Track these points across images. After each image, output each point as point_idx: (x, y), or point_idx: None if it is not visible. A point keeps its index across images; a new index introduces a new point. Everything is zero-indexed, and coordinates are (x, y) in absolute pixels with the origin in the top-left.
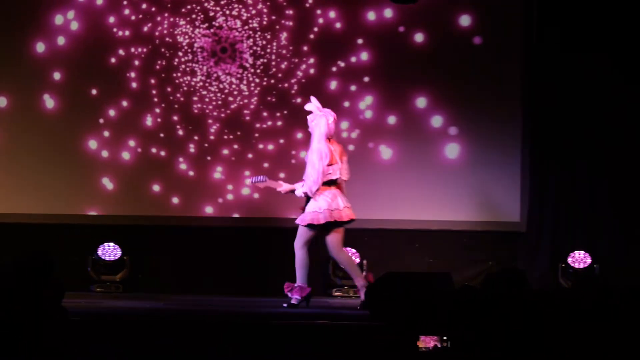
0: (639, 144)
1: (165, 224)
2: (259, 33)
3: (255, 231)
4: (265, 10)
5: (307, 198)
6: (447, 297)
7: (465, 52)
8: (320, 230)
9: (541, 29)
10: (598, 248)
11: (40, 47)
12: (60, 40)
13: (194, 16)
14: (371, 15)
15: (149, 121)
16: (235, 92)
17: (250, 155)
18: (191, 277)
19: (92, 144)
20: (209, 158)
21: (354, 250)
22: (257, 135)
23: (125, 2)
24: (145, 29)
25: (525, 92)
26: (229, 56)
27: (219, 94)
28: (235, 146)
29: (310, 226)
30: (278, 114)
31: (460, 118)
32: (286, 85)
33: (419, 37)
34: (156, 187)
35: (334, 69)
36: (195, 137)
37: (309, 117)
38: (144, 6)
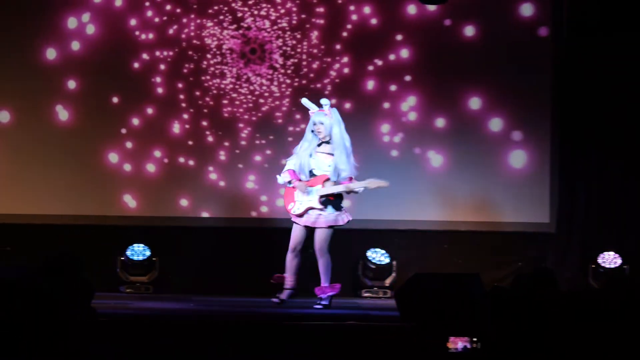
0: None
1: (195, 225)
2: (289, 33)
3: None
4: (294, 9)
5: (337, 197)
6: (477, 298)
7: (528, 45)
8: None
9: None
10: (628, 248)
11: (50, 53)
12: (75, 46)
13: (221, 17)
14: (411, 9)
15: (176, 128)
16: (266, 94)
17: (284, 162)
18: (221, 278)
19: (113, 157)
20: (240, 166)
21: (383, 251)
22: (290, 139)
23: (147, 4)
24: (171, 31)
25: (555, 89)
26: (258, 57)
27: (249, 96)
28: (268, 152)
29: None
30: None
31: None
32: (319, 85)
33: (469, 31)
34: (184, 202)
35: (371, 67)
36: (226, 143)
37: (324, 115)
38: (168, 7)
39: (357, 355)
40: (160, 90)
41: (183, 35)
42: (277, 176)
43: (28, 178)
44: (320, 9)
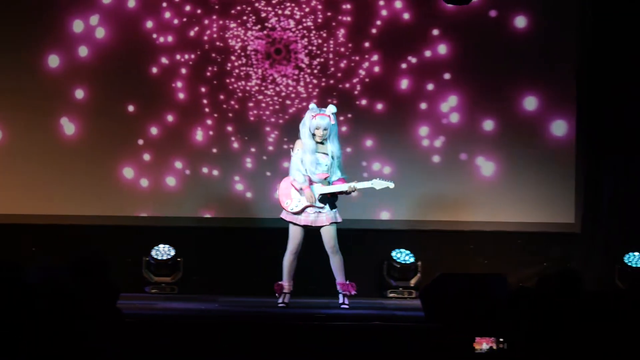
0: None
1: (220, 225)
2: (314, 32)
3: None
4: (319, 7)
5: (334, 196)
6: (503, 298)
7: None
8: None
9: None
10: None
11: (53, 60)
12: (82, 51)
13: (245, 18)
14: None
15: (199, 135)
16: (293, 95)
17: (286, 165)
18: (245, 278)
19: (128, 173)
20: (268, 174)
21: (408, 252)
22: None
23: (164, 5)
24: (192, 33)
25: (580, 86)
26: (283, 57)
27: (275, 98)
28: None
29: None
30: (342, 118)
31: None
32: (347, 85)
33: (520, 22)
34: (207, 216)
35: (404, 65)
36: (252, 149)
37: (329, 120)
38: (187, 8)
39: (383, 355)
40: (181, 95)
41: (205, 37)
42: (293, 180)
43: (50, 180)
44: (347, 6)
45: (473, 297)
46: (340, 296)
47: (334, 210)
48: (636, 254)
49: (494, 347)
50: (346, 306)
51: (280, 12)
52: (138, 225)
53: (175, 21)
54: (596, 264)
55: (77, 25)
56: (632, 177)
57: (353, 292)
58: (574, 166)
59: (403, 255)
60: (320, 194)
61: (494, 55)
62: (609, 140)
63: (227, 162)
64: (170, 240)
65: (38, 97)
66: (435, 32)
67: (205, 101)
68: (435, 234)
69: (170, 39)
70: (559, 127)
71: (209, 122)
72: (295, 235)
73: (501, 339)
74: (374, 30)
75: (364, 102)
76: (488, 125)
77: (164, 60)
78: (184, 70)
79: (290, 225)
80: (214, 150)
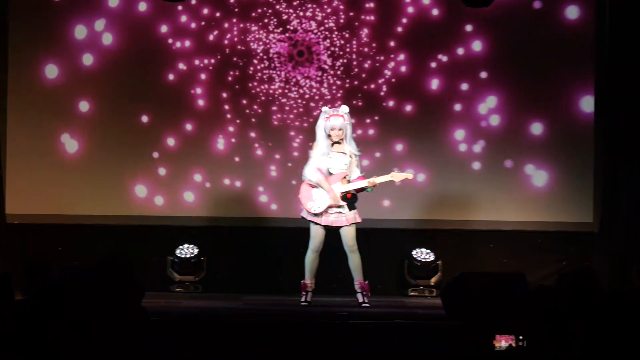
0: None
1: (243, 225)
2: (336, 32)
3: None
4: (341, 7)
5: (353, 196)
6: (522, 296)
7: None
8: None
9: None
10: None
11: (51, 71)
12: (87, 59)
13: (266, 20)
14: None
15: (220, 144)
16: (317, 97)
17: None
18: (269, 277)
19: (141, 191)
20: (294, 182)
21: (428, 250)
22: None
23: (180, 8)
24: (211, 37)
25: (598, 85)
26: (306, 59)
27: (299, 100)
28: None
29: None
30: (368, 120)
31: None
32: (373, 86)
33: (571, 13)
34: (230, 217)
35: (433, 64)
36: (277, 156)
37: (342, 120)
38: (205, 11)
39: (404, 353)
40: (201, 102)
41: (225, 41)
42: (309, 181)
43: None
44: (370, 5)
45: (493, 295)
46: (359, 295)
47: (353, 210)
48: None
49: (514, 345)
50: (367, 305)
51: (301, 13)
52: (162, 224)
53: (193, 25)
54: (614, 263)
55: (80, 31)
56: None
57: (363, 291)
58: (593, 165)
59: (423, 254)
60: (342, 193)
61: (538, 51)
62: (628, 138)
63: (250, 171)
64: (193, 240)
65: (35, 111)
66: (469, 27)
67: (226, 107)
68: (455, 233)
69: (187, 43)
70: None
71: (231, 128)
72: (316, 234)
73: (520, 337)
74: (399, 29)
75: (391, 103)
76: (536, 128)
77: (182, 66)
78: (203, 76)
79: (311, 224)
80: (236, 159)
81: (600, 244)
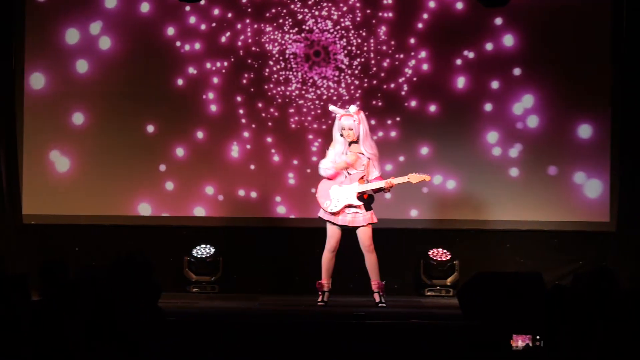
0: None
1: (260, 225)
2: (352, 31)
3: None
4: (358, 4)
5: (370, 196)
6: (539, 296)
7: None
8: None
9: None
10: None
11: (37, 81)
12: (81, 67)
13: (281, 21)
14: None
15: (234, 151)
16: (335, 98)
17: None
18: (286, 277)
19: (144, 209)
20: (313, 190)
21: (445, 250)
22: None
23: (187, 9)
24: (223, 39)
25: (615, 84)
26: (322, 59)
27: (317, 102)
28: None
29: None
30: (389, 122)
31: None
32: (393, 85)
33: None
34: (247, 217)
35: (459, 61)
36: (295, 162)
37: (352, 120)
38: (215, 12)
39: (421, 353)
40: (213, 107)
41: (239, 43)
42: (324, 166)
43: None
44: (388, 1)
45: (509, 295)
46: (376, 295)
47: (369, 211)
48: None
49: (531, 345)
50: (384, 305)
51: (317, 13)
52: (179, 225)
53: (203, 26)
54: (631, 263)
55: (71, 36)
56: None
57: (380, 291)
58: (609, 164)
59: (440, 254)
60: (358, 193)
61: (579, 45)
62: None
63: (267, 180)
64: (210, 240)
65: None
66: (498, 21)
67: (241, 111)
68: (471, 233)
69: (198, 46)
70: (585, 129)
71: (246, 134)
72: (333, 234)
73: (537, 337)
74: (420, 25)
75: (413, 103)
76: (585, 131)
77: (192, 70)
78: (215, 80)
79: (328, 224)
80: (252, 167)
81: (617, 244)
